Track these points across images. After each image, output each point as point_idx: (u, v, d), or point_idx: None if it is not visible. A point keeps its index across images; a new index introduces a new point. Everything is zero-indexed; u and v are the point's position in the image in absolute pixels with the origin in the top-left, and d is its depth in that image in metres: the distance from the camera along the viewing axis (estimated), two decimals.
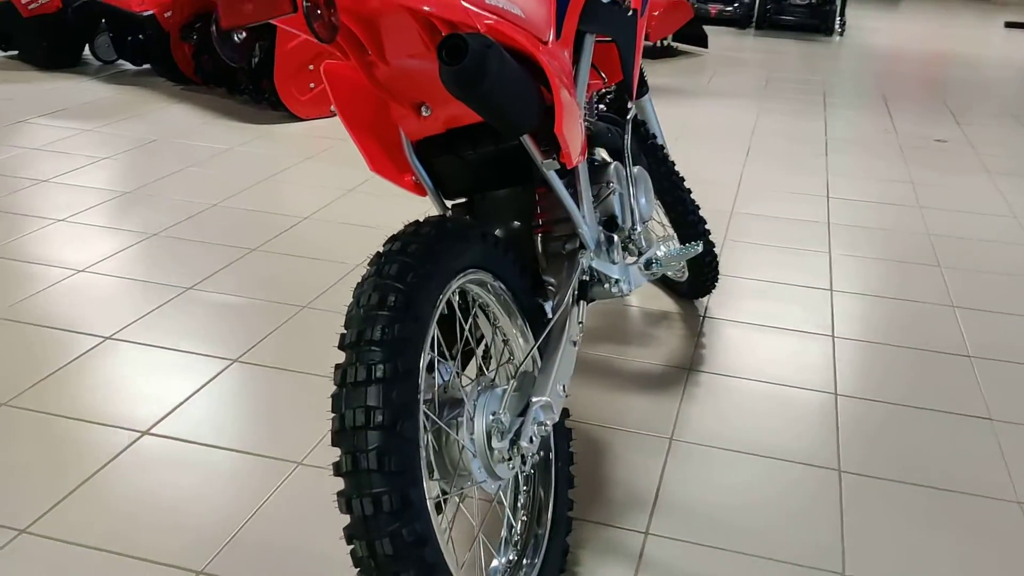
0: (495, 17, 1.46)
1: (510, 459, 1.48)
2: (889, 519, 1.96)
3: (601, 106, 2.36)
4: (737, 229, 3.55)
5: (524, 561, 1.66)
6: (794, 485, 2.06)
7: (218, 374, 2.39)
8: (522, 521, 1.71)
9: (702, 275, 2.76)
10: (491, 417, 1.47)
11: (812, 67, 7.00)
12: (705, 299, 2.94)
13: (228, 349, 2.52)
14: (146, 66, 5.86)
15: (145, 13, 5.16)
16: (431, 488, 1.44)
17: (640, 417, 2.29)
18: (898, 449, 2.20)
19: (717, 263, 2.78)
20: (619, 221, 1.96)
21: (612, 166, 1.99)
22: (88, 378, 2.36)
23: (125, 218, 3.44)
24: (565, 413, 1.82)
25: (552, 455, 1.76)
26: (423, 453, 1.33)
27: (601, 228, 1.93)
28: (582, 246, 1.83)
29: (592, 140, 1.95)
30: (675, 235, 2.68)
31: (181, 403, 2.27)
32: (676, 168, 2.57)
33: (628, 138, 2.03)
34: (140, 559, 1.76)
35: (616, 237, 1.93)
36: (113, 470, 2.02)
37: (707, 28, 7.87)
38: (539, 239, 1.88)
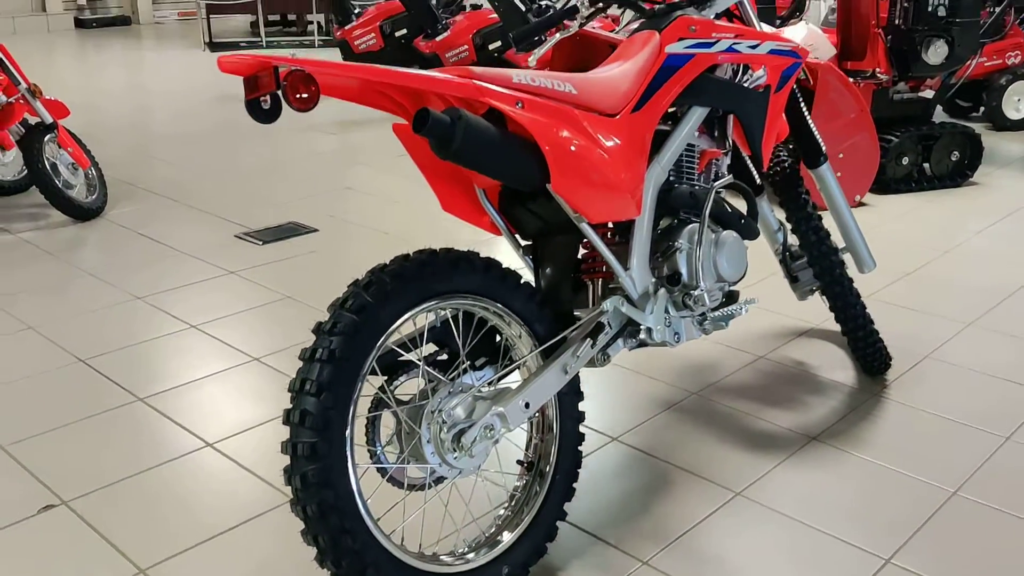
0: (526, 95, 1.81)
1: (455, 451, 1.81)
2: None
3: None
4: (1002, 315, 3.28)
5: (475, 554, 1.93)
6: (831, 564, 2.05)
7: None
8: (503, 516, 2.00)
9: (859, 350, 2.73)
10: (440, 413, 1.81)
11: None
12: (892, 378, 2.84)
13: None
14: None
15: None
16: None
17: (720, 468, 2.39)
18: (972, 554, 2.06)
19: (876, 340, 2.72)
20: (683, 278, 2.15)
21: (687, 227, 2.17)
22: None
23: None
24: (580, 437, 2.07)
25: (550, 467, 2.02)
26: (357, 423, 1.72)
27: (656, 280, 2.13)
28: (624, 293, 2.07)
29: (671, 202, 2.15)
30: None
31: None
32: (831, 240, 2.62)
33: (708, 204, 2.18)
34: None
35: (664, 290, 2.12)
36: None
37: None
38: (588, 281, 2.15)
